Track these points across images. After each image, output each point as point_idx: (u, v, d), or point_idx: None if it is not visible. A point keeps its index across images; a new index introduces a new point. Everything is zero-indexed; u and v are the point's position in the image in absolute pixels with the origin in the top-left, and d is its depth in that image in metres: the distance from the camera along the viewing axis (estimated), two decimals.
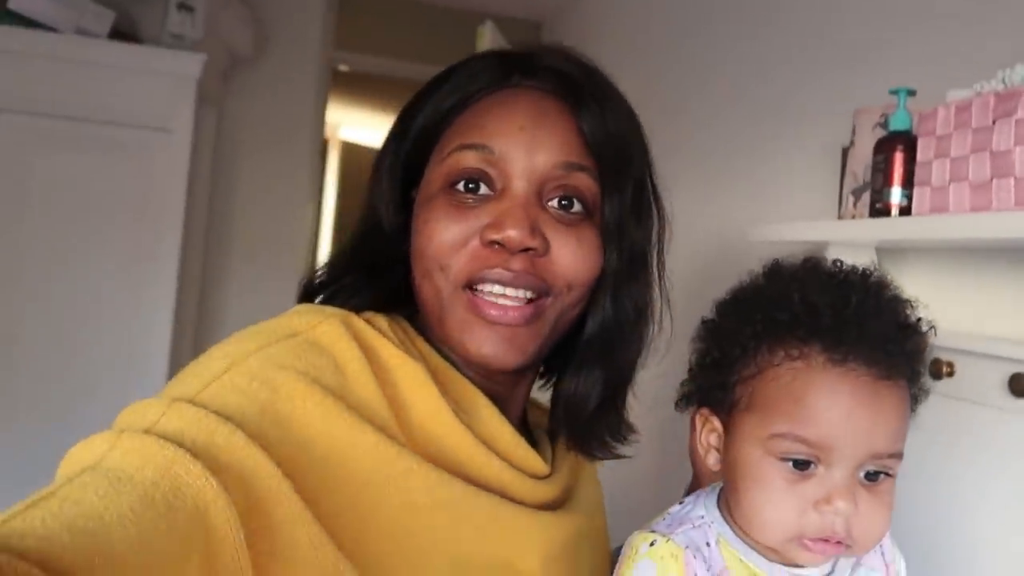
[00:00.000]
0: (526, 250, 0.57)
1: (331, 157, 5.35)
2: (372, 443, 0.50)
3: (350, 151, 5.46)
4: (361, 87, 4.31)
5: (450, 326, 0.58)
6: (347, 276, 0.63)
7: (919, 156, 0.94)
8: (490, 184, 0.59)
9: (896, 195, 0.99)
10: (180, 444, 0.43)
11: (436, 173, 0.60)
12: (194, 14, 2.41)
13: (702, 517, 0.59)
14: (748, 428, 0.56)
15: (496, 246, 0.57)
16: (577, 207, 0.60)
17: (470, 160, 0.58)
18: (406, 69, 3.32)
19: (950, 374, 0.92)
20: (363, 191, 0.66)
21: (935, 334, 0.57)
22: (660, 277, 0.66)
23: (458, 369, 0.60)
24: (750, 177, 1.64)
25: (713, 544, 0.57)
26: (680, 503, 0.62)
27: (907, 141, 1.00)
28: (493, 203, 0.58)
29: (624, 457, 0.68)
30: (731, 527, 0.58)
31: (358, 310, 0.59)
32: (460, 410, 0.56)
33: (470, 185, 0.58)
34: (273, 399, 0.48)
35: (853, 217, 1.12)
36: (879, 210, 1.01)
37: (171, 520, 0.39)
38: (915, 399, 0.57)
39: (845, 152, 1.23)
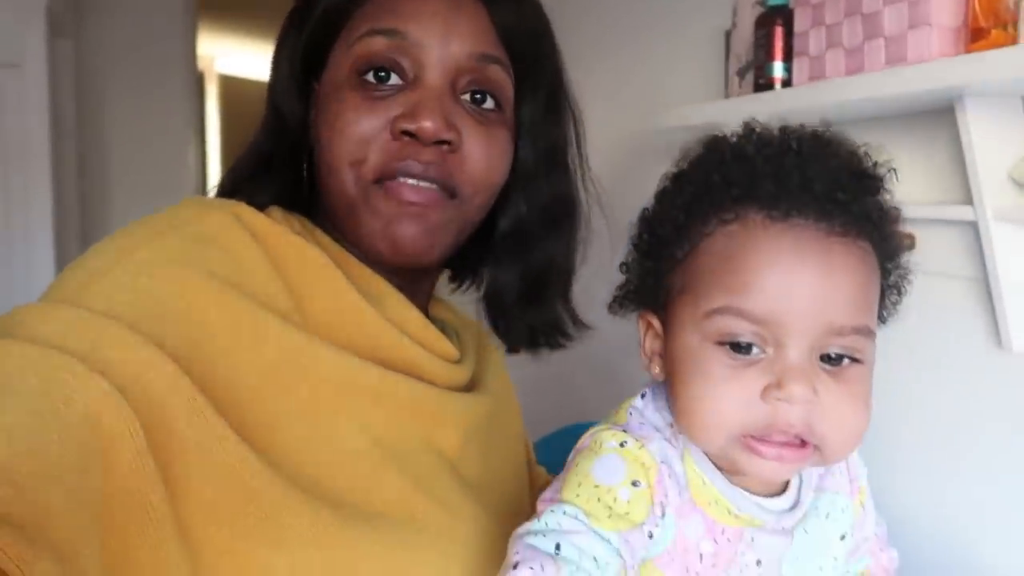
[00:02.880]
0: (439, 143, 0.54)
1: (210, 92, 5.02)
2: (276, 331, 0.49)
3: (231, 85, 5.13)
4: (235, 12, 4.02)
5: (363, 220, 0.56)
6: (246, 174, 0.61)
7: (797, 27, 0.96)
8: (401, 73, 0.55)
9: (778, 69, 1.02)
10: (64, 349, 0.41)
11: (343, 60, 0.56)
12: None
13: (671, 426, 0.50)
14: (683, 314, 0.47)
15: (408, 138, 0.54)
16: (490, 103, 0.58)
17: (380, 46, 0.55)
18: None
19: None
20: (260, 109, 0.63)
21: (896, 178, 0.49)
22: (583, 176, 0.66)
23: (361, 261, 0.58)
24: (635, 69, 1.64)
25: (679, 460, 0.49)
26: (642, 396, 0.53)
27: (786, 15, 1.02)
28: (405, 93, 0.55)
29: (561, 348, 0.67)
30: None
31: (259, 207, 0.56)
32: (366, 296, 0.55)
33: (380, 74, 0.55)
34: (165, 293, 0.46)
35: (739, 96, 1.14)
36: (762, 85, 1.04)
37: (63, 428, 0.38)
38: (897, 289, 0.49)
39: (728, 36, 1.24)
